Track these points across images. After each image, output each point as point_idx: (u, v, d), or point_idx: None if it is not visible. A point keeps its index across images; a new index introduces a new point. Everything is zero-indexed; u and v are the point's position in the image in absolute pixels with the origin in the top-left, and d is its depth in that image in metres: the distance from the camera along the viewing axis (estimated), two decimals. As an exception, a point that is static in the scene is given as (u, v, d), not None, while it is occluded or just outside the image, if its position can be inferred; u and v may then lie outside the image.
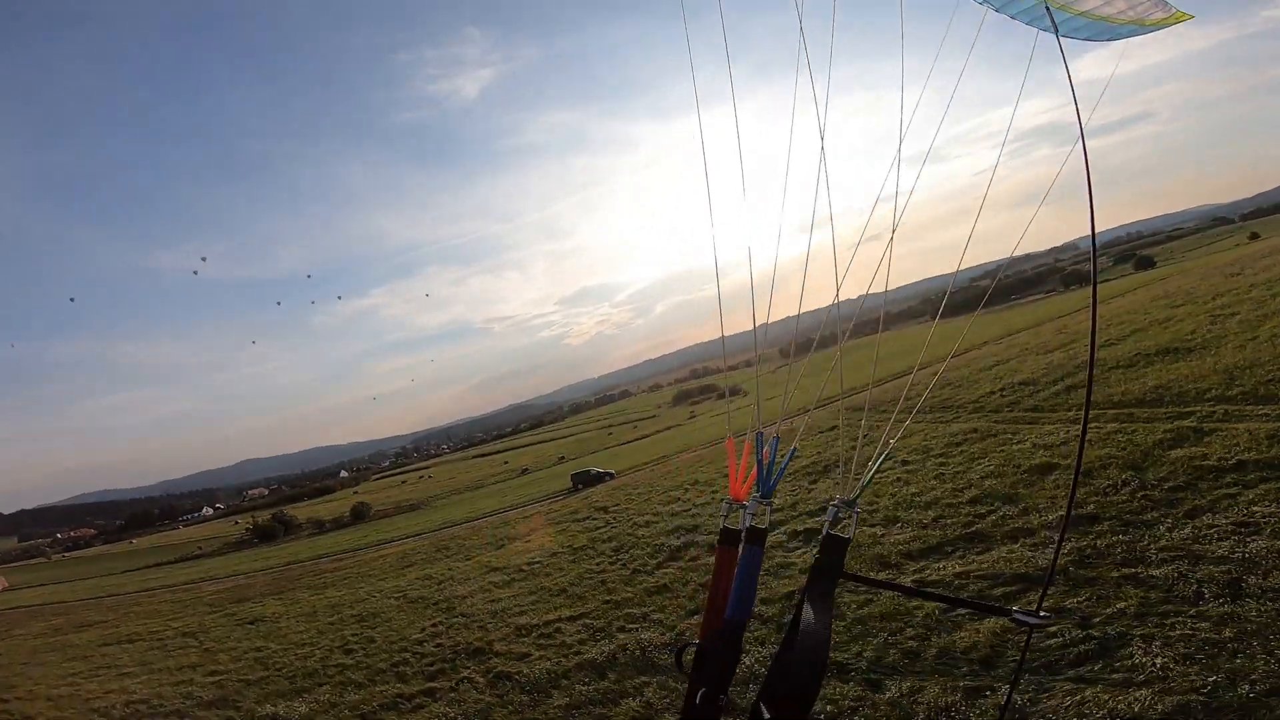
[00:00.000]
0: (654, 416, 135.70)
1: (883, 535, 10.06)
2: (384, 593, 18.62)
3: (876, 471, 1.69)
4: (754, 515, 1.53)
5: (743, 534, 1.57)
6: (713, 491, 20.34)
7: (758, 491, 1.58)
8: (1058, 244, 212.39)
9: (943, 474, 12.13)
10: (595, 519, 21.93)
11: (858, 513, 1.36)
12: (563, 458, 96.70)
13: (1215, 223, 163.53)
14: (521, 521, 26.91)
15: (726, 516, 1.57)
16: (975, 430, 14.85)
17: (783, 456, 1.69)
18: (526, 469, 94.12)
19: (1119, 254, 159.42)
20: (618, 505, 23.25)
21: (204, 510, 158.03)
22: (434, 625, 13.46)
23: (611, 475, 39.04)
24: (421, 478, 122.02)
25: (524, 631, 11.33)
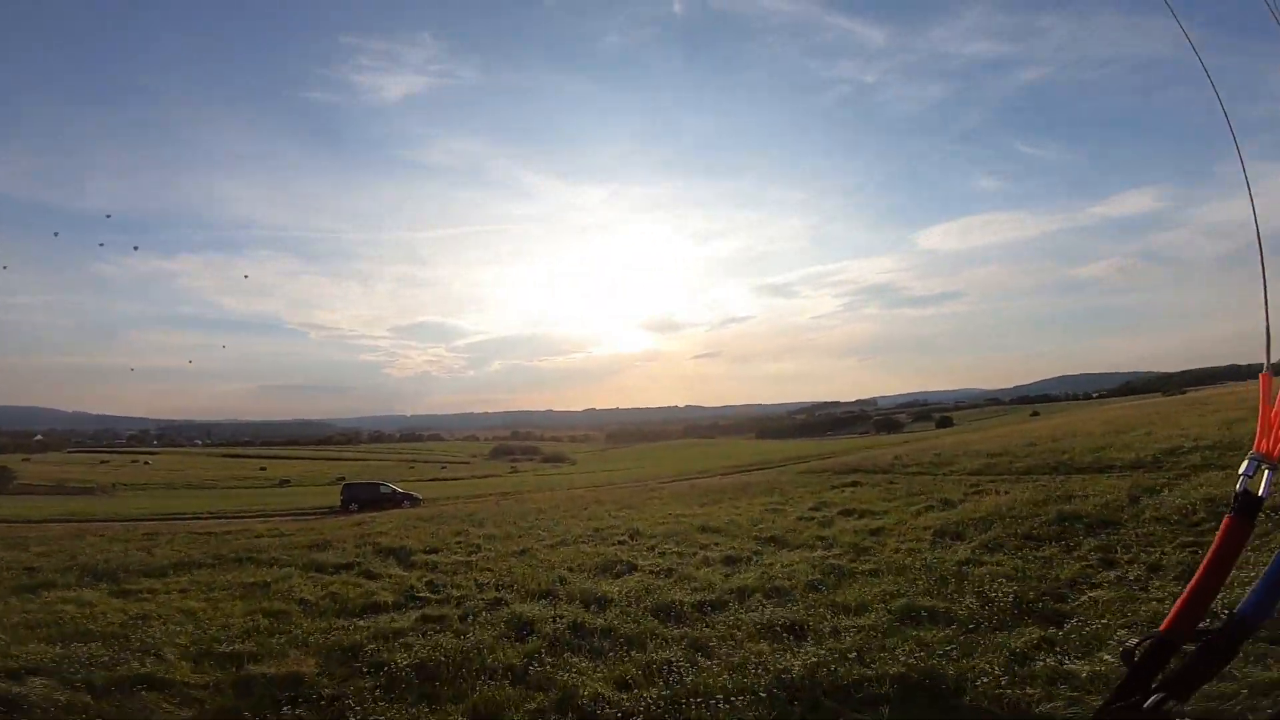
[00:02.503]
0: (467, 463, 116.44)
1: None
2: None
3: None
4: None
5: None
6: (721, 537, 7.26)
7: None
8: (865, 396, 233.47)
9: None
10: (366, 566, 7.50)
11: None
12: (343, 478, 74.81)
13: (989, 402, 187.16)
14: (175, 542, 11.10)
15: (1249, 477, 0.97)
16: None
17: None
18: (288, 480, 71.11)
19: (915, 414, 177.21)
20: (436, 562, 8.96)
21: None
22: None
23: (416, 500, 23.84)
24: (135, 461, 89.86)
25: None
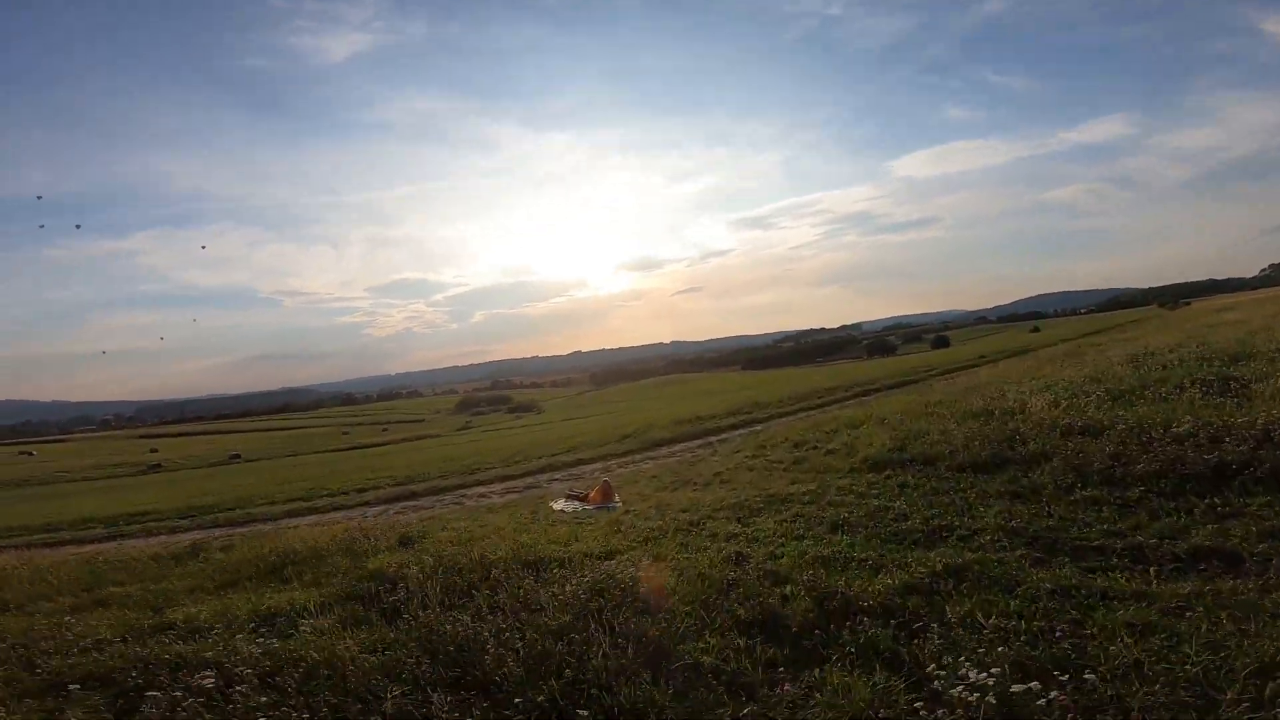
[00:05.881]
0: (422, 420, 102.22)
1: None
2: None
3: None
4: None
5: None
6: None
7: None
8: (848, 322, 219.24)
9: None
10: None
11: None
12: (237, 456, 60.72)
13: (977, 321, 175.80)
14: None
15: None
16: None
17: None
18: (159, 465, 56.67)
19: (905, 335, 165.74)
20: None
21: None
22: None
23: None
24: (22, 453, 75.14)
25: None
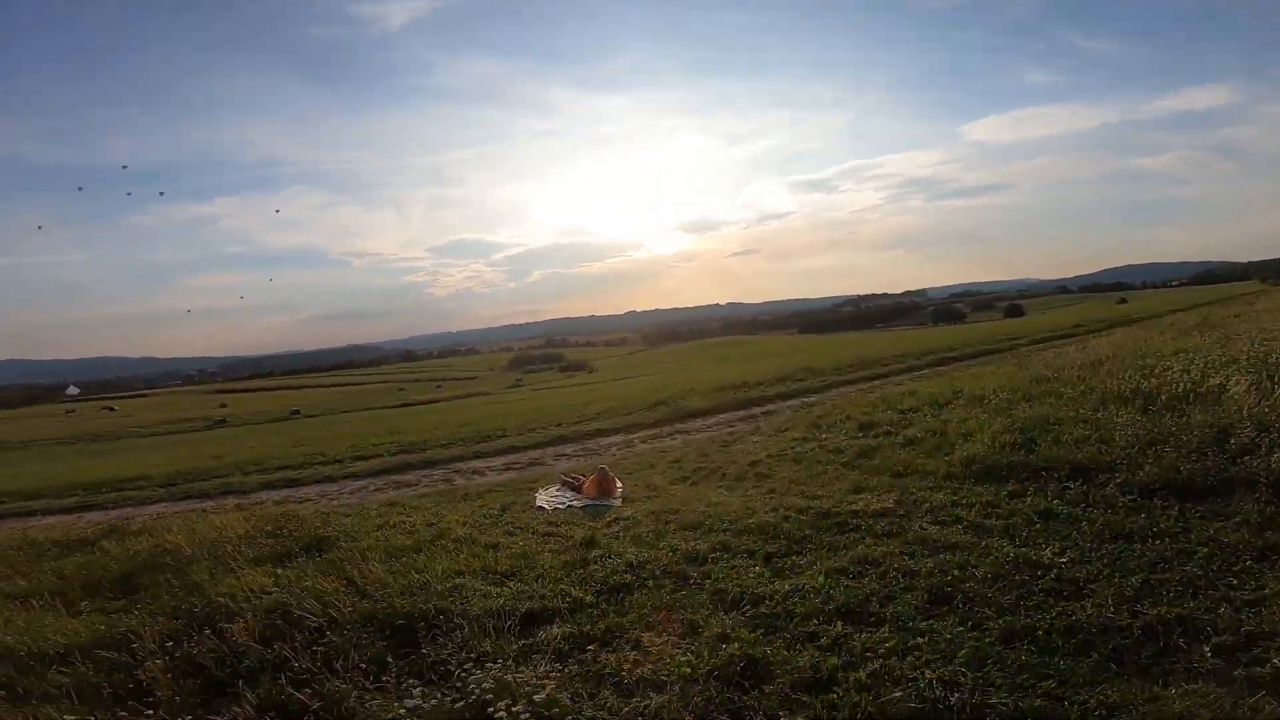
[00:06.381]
0: (475, 378, 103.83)
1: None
2: None
3: None
4: None
5: None
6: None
7: None
8: (912, 288, 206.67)
9: None
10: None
11: None
12: (296, 411, 62.14)
13: (1057, 290, 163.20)
14: None
15: None
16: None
17: None
18: (225, 420, 58.83)
19: (975, 303, 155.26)
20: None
21: None
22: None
23: None
24: (104, 409, 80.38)
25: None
